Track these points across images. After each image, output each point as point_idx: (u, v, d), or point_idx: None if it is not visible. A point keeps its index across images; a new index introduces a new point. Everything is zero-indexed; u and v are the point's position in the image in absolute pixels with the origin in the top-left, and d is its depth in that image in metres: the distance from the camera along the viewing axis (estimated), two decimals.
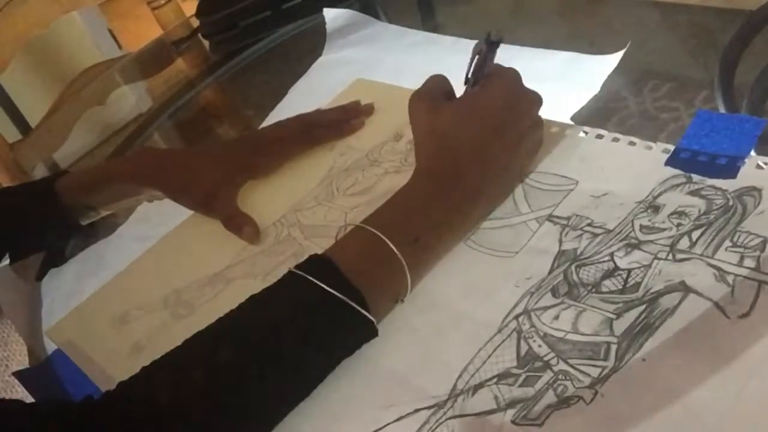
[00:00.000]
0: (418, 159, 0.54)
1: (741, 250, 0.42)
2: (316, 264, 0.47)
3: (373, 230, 0.48)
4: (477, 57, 0.54)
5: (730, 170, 0.48)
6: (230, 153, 0.70)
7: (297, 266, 0.47)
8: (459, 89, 0.62)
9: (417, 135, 0.55)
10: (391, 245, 0.48)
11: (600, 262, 0.46)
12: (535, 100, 0.54)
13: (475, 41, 0.54)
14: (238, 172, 0.69)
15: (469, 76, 0.55)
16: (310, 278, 0.45)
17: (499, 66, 0.55)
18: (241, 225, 0.64)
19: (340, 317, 0.46)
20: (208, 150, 0.74)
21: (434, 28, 0.86)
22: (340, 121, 0.71)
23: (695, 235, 0.45)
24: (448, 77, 0.57)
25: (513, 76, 0.54)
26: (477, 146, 0.51)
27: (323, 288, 0.45)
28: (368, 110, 0.71)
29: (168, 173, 0.68)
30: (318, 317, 0.45)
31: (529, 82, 0.67)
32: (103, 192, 0.70)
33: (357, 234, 0.50)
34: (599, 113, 0.61)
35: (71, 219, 0.71)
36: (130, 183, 0.69)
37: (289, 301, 0.46)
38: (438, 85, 0.57)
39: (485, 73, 0.54)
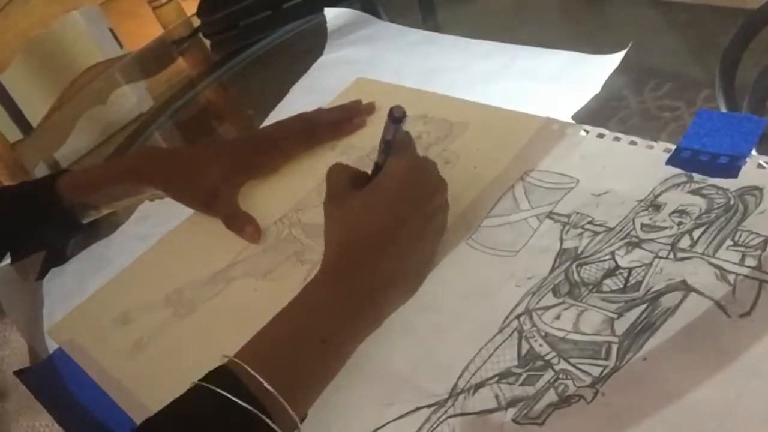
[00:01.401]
0: (324, 255, 0.51)
1: (742, 249, 0.42)
2: (223, 374, 0.44)
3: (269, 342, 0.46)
4: (384, 134, 0.52)
5: (731, 169, 0.48)
6: (231, 152, 0.70)
7: (201, 379, 0.43)
8: (458, 88, 0.62)
9: (325, 232, 0.53)
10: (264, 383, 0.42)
11: (601, 261, 0.46)
12: (437, 186, 0.53)
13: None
14: (239, 171, 0.69)
15: (381, 153, 0.53)
16: (214, 388, 0.42)
17: (401, 151, 0.52)
18: (242, 224, 0.64)
19: (244, 427, 0.42)
20: (209, 149, 0.73)
21: (435, 28, 0.86)
22: (341, 120, 0.70)
23: (696, 234, 0.45)
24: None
25: (415, 162, 0.52)
26: (382, 237, 0.49)
27: (227, 398, 0.41)
28: (369, 109, 0.71)
29: (169, 172, 0.68)
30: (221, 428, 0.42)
31: (530, 82, 0.67)
32: (105, 191, 0.69)
33: (261, 338, 0.46)
34: (600, 113, 0.61)
35: (72, 217, 0.70)
36: (131, 182, 0.68)
37: (193, 416, 0.42)
38: (339, 179, 0.54)
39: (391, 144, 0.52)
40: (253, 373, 0.42)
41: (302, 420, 0.44)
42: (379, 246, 0.49)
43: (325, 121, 0.71)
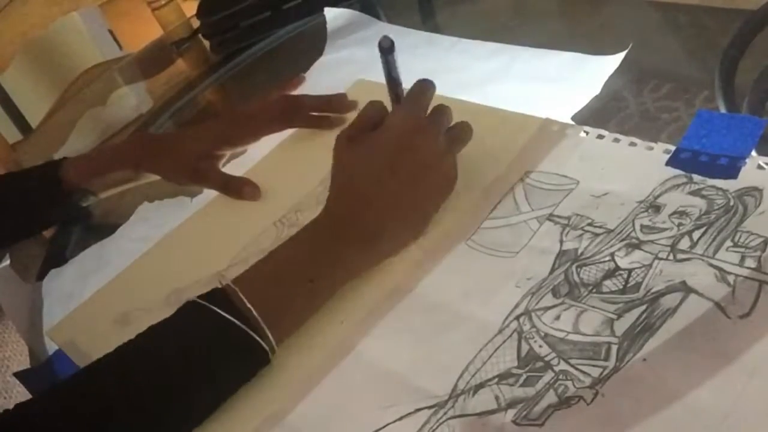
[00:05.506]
0: (327, 198, 0.54)
1: (742, 250, 0.42)
2: (216, 293, 0.48)
3: (269, 270, 0.51)
4: (384, 71, 0.55)
5: (731, 170, 0.48)
6: (209, 129, 0.75)
7: (198, 296, 0.48)
8: (458, 89, 0.62)
9: (331, 174, 0.55)
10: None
11: (601, 262, 0.46)
12: (434, 132, 0.53)
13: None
14: (216, 145, 0.73)
15: (390, 90, 0.56)
16: (206, 304, 0.47)
17: (405, 102, 0.55)
18: (239, 187, 0.68)
19: (233, 342, 0.46)
20: (190, 129, 0.79)
21: (434, 29, 0.86)
22: (322, 110, 0.73)
23: (696, 235, 0.45)
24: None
25: (410, 110, 0.54)
26: (373, 185, 0.52)
27: (218, 313, 0.46)
28: (352, 105, 0.73)
29: (158, 156, 0.74)
30: (210, 342, 0.47)
31: (529, 83, 0.67)
32: (102, 178, 0.75)
33: (258, 269, 0.51)
34: (600, 113, 0.61)
35: (72, 201, 0.75)
36: (124, 169, 0.74)
37: (182, 329, 0.48)
38: (366, 119, 0.56)
39: (395, 79, 0.55)
40: (241, 295, 0.47)
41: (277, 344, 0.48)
42: (369, 195, 0.52)
43: (306, 107, 0.73)
